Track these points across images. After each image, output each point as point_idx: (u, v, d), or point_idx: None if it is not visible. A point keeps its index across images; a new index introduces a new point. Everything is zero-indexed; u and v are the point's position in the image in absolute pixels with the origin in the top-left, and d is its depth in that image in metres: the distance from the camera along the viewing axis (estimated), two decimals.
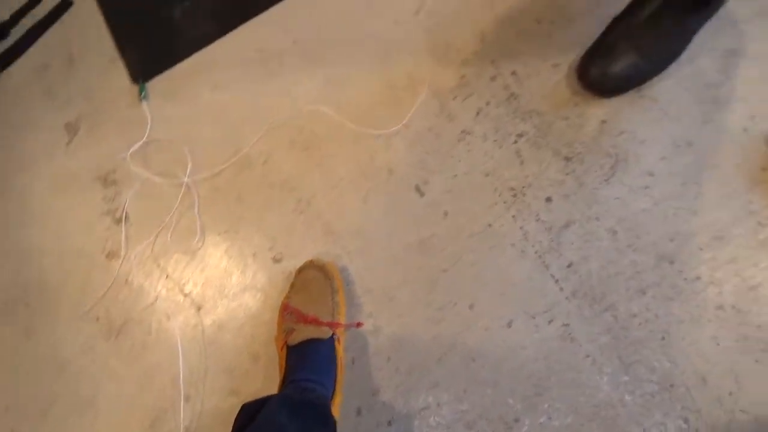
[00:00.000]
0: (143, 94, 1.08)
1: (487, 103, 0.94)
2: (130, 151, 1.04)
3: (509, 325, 0.84)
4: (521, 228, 0.88)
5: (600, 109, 0.90)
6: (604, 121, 0.90)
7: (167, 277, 0.99)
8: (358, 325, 0.86)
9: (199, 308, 0.96)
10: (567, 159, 0.89)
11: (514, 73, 0.94)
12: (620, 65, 0.87)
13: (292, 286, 0.87)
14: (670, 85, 0.90)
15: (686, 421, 0.77)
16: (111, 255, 1.03)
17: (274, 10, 1.09)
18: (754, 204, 0.84)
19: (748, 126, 0.87)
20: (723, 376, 0.78)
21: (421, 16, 1.00)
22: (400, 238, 0.91)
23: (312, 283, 0.85)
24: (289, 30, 1.06)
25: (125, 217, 1.04)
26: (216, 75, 1.07)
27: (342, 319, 0.84)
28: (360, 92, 0.99)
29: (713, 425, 0.77)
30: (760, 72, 0.89)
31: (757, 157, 0.86)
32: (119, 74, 1.14)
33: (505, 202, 0.89)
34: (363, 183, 0.94)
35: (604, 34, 0.90)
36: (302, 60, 1.04)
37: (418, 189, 0.92)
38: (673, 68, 0.90)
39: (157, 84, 1.11)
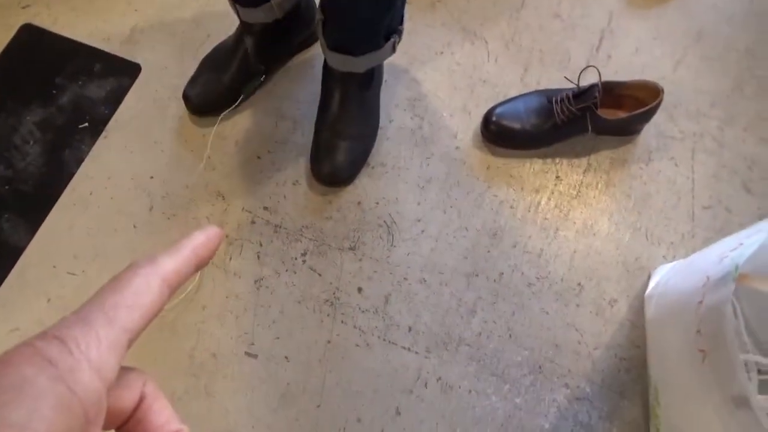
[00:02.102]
0: None
1: (261, 245, 0.98)
2: None
3: (398, 412, 0.87)
4: (355, 326, 0.92)
5: (350, 196, 1.01)
6: (359, 203, 1.00)
7: None
8: None
9: None
10: (352, 249, 0.97)
11: (266, 208, 1.00)
12: (341, 155, 0.98)
13: None
14: (389, 147, 1.04)
15: (567, 386, 0.87)
16: None
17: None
18: (498, 195, 1.00)
19: (457, 144, 1.04)
20: (566, 333, 0.90)
21: (154, 212, 1.01)
22: (264, 406, 0.89)
23: None
24: (41, 293, 1.00)
25: None
26: None
27: None
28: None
29: (586, 374, 0.88)
30: (440, 103, 1.07)
31: (478, 162, 1.03)
32: None
33: (328, 315, 0.93)
34: (198, 382, 0.91)
35: (316, 138, 1.01)
36: None
37: (249, 354, 0.92)
38: (381, 133, 1.04)
39: None
